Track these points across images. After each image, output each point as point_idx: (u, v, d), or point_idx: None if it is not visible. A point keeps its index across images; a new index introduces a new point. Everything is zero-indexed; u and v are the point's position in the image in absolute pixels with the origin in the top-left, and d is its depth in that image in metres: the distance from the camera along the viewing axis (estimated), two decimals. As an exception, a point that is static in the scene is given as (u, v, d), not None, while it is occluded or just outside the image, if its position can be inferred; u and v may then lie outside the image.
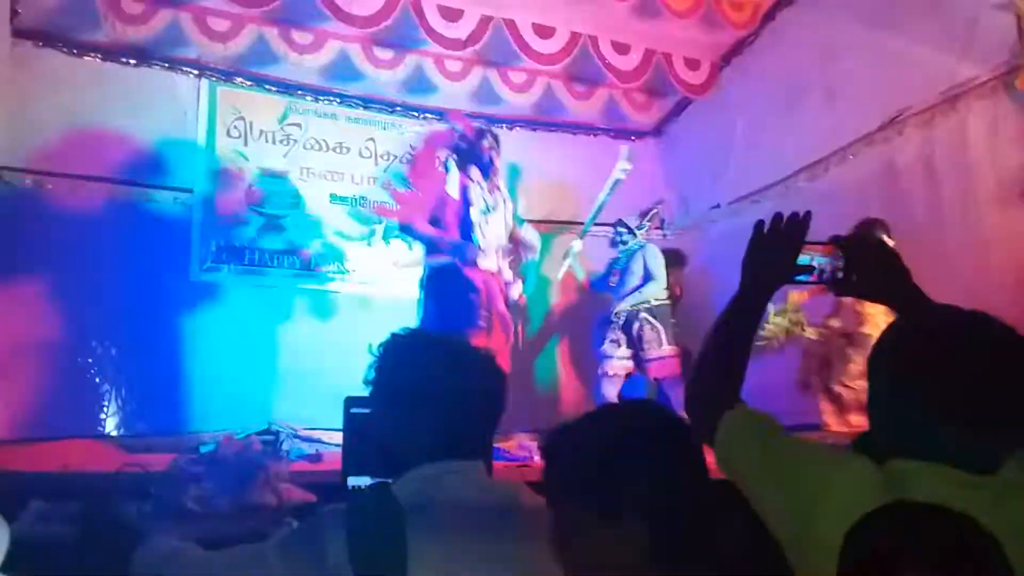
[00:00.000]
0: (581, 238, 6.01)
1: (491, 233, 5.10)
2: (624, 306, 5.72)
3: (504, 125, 6.93)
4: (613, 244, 6.03)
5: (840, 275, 1.48)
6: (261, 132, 6.32)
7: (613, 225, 6.02)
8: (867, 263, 1.48)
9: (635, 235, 5.93)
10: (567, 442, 1.27)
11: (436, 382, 1.53)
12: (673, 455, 1.21)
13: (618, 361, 5.68)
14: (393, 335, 1.62)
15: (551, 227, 6.74)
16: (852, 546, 1.05)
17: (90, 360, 5.35)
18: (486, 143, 5.18)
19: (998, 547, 0.96)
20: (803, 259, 1.48)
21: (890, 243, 4.30)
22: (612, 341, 5.71)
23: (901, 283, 1.49)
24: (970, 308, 1.26)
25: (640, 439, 1.21)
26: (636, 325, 5.63)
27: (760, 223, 1.51)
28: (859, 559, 1.03)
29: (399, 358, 1.60)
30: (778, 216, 1.50)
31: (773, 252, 1.49)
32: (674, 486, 1.19)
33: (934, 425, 1.18)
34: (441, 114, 6.70)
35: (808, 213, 1.50)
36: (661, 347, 5.56)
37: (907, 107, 4.82)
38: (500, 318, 5.05)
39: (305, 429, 5.07)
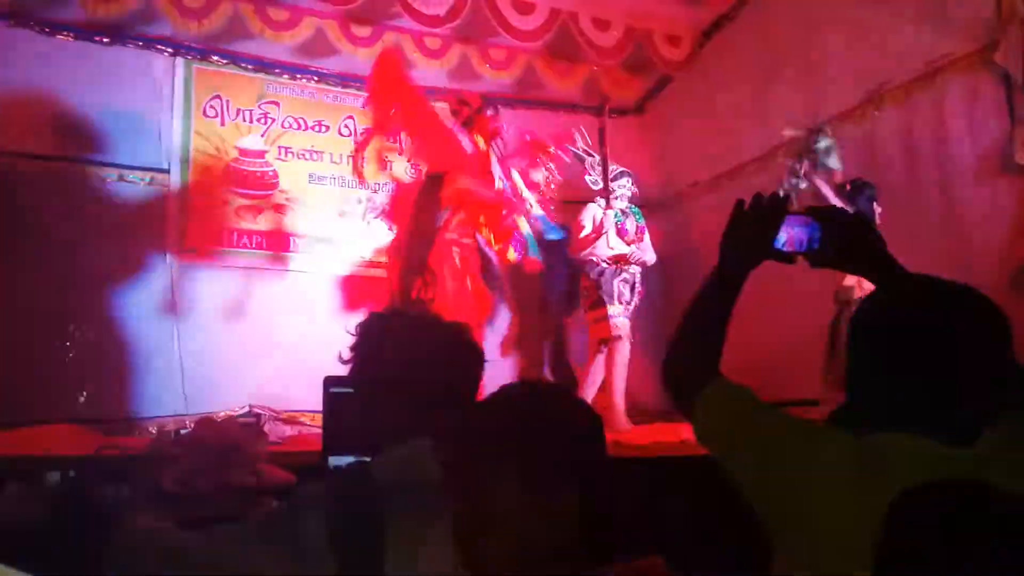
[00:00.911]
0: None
1: None
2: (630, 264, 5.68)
3: (484, 102, 6.91)
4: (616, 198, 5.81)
5: (817, 246, 1.48)
6: (238, 111, 6.26)
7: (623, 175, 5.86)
8: (844, 234, 1.48)
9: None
10: (465, 426, 1.24)
11: (413, 360, 1.52)
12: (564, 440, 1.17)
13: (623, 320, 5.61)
14: (371, 314, 1.61)
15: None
16: (898, 519, 1.04)
17: (68, 343, 5.30)
18: None
19: None
20: (781, 232, 1.48)
21: (877, 209, 4.33)
22: (624, 302, 5.61)
23: (877, 254, 1.49)
24: (947, 279, 1.27)
25: (534, 423, 1.18)
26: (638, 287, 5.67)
27: (740, 202, 1.52)
28: (905, 533, 1.02)
29: (376, 337, 1.59)
30: (757, 195, 1.51)
31: (752, 230, 1.49)
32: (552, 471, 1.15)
33: (912, 397, 1.18)
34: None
35: (788, 195, 1.51)
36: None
37: (885, 82, 4.84)
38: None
39: (286, 411, 5.06)
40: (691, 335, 1.49)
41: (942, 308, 1.21)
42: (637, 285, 5.68)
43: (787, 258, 1.51)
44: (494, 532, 1.14)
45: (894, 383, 1.20)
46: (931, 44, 4.51)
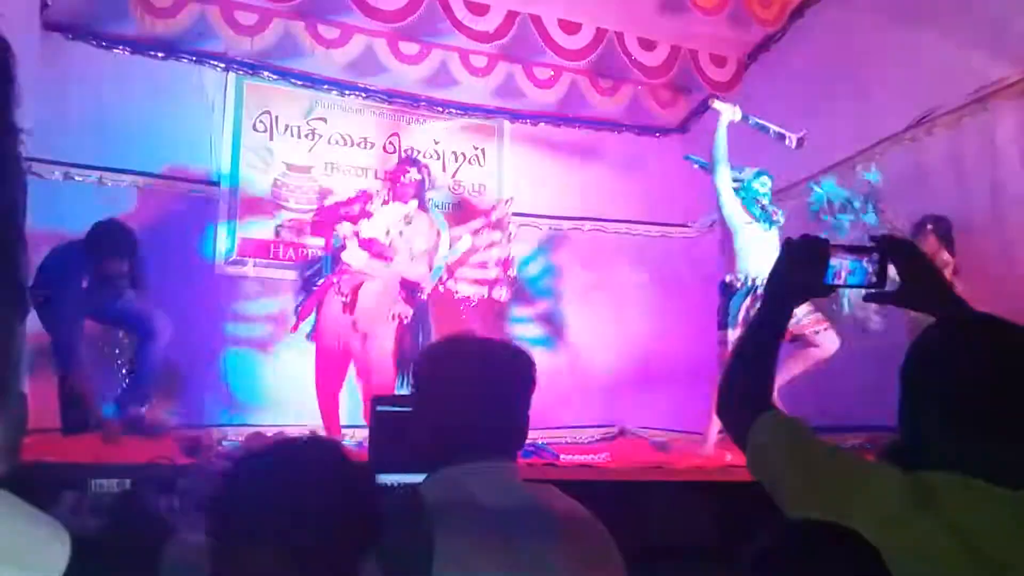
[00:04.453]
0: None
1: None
2: None
3: (528, 120, 6.95)
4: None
5: (876, 279, 1.45)
6: (286, 126, 6.37)
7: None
8: (906, 266, 1.46)
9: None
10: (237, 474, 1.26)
11: (467, 383, 1.53)
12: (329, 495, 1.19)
13: None
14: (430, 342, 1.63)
15: (574, 223, 6.78)
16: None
17: (117, 351, 5.38)
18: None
19: None
20: (834, 264, 1.46)
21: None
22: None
23: (940, 288, 1.47)
24: (1006, 320, 1.25)
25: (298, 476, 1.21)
26: None
27: (788, 239, 1.50)
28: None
29: (432, 360, 1.61)
30: (806, 234, 1.49)
31: (800, 268, 1.47)
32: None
33: (965, 437, 1.17)
34: (466, 109, 6.74)
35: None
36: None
37: (936, 107, 4.77)
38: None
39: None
40: (742, 369, 1.49)
41: (999, 349, 1.20)
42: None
43: (841, 286, 1.48)
44: None
45: (947, 422, 1.19)
46: (982, 70, 4.44)
